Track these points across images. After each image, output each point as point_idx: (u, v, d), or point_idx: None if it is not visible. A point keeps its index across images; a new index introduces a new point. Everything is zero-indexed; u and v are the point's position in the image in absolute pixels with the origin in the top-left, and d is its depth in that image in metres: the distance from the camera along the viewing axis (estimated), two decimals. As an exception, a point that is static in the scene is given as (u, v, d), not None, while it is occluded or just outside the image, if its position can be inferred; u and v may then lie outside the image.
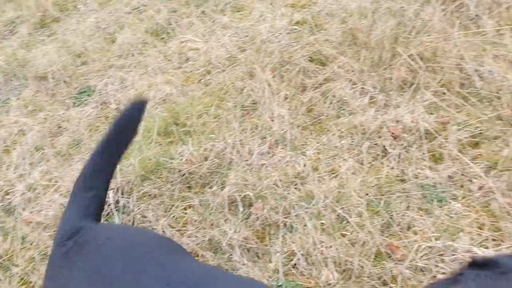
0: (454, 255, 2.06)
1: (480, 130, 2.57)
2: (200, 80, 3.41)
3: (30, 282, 2.44)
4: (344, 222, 2.29)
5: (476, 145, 2.54)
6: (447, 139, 2.55)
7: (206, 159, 2.71)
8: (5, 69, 3.92)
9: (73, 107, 3.52)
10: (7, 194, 2.94)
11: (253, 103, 3.06)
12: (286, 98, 3.02)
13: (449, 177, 2.42)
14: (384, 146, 2.62)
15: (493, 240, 2.10)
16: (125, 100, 3.39)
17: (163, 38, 3.93)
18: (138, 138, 2.94)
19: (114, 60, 3.83)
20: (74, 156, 3.05)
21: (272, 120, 2.89)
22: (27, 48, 4.19)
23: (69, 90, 3.65)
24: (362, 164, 2.57)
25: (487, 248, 2.04)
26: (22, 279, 2.46)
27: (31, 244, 2.62)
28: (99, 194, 1.48)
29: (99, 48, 3.97)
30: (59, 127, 3.37)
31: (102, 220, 2.56)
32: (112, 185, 2.67)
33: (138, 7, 4.35)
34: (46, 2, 4.73)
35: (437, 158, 2.52)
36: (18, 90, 3.75)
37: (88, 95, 3.59)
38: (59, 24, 4.52)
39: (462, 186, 2.37)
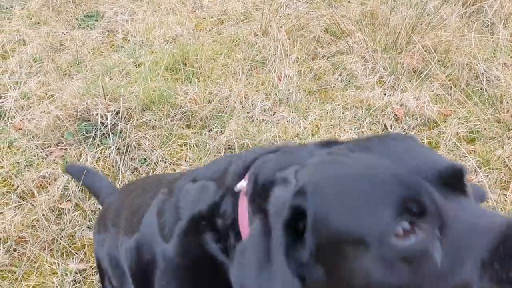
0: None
1: (478, 128, 2.65)
2: (212, 28, 3.38)
3: (13, 185, 2.40)
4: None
5: (472, 141, 2.62)
6: (446, 130, 2.61)
7: (209, 102, 2.71)
8: (12, -24, 3.78)
9: (78, 28, 3.44)
10: (0, 98, 2.87)
11: (263, 60, 3.06)
12: (296, 61, 3.03)
13: (442, 165, 2.48)
14: (385, 125, 2.67)
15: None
16: (133, 32, 3.33)
17: (180, -20, 3.86)
18: (144, 69, 2.91)
19: (128, -9, 3.75)
20: (74, 74, 2.98)
21: (280, 80, 2.90)
22: (39, -39, 4.05)
23: (77, 11, 3.56)
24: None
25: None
26: (4, 180, 2.41)
27: (18, 149, 2.57)
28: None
29: (114, -23, 3.87)
30: (61, 44, 3.29)
31: (96, 140, 2.54)
32: (112, 108, 2.63)
33: None
34: None
35: (433, 146, 2.59)
36: (24, 1, 3.64)
37: (96, 20, 3.51)
38: None
39: (452, 176, 2.44)
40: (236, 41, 3.22)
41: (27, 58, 3.12)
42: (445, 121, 2.69)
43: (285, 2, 3.54)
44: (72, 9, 3.57)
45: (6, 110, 2.76)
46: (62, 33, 3.36)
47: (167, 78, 2.84)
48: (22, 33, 3.33)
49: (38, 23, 3.46)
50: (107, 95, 2.68)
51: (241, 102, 2.76)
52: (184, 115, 2.64)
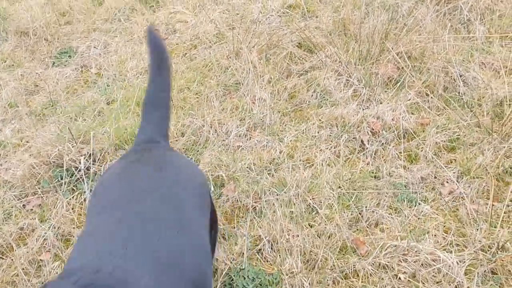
0: (417, 256, 2.08)
1: (458, 135, 2.58)
2: (186, 54, 3.35)
3: (-9, 241, 2.39)
4: (314, 213, 2.29)
5: (452, 149, 2.55)
6: (424, 140, 2.55)
7: (183, 134, 2.67)
8: (-15, 20, 3.78)
9: (52, 67, 3.43)
10: (-24, 148, 2.87)
11: (236, 83, 3.02)
12: (269, 81, 2.99)
13: (422, 178, 2.43)
14: (362, 141, 2.62)
15: (457, 245, 2.12)
16: (106, 66, 3.31)
17: (152, 6, 3.84)
18: (116, 106, 2.89)
19: (100, 23, 3.73)
20: (48, 117, 2.97)
21: (253, 103, 2.86)
22: (10, 1, 4.05)
23: (50, 49, 3.54)
24: (338, 156, 2.56)
25: (450, 252, 2.07)
26: (-18, 237, 2.40)
27: (-5, 202, 2.56)
28: (166, 113, 1.75)
29: (85, 9, 3.86)
30: (36, 85, 3.29)
31: (70, 186, 2.53)
32: (85, 151, 2.62)
33: (130, -29, 4.23)
34: (35, -46, 4.56)
35: (412, 158, 2.53)
36: (-3, 43, 3.64)
37: (69, 56, 3.50)
38: (47, -21, 4.36)
39: (433, 189, 2.39)
40: (210, 65, 3.18)
41: (2, 104, 3.12)
42: (423, 131, 2.62)
43: (257, 17, 3.50)
44: (45, 47, 3.56)
45: (-17, 161, 2.76)
46: (37, 73, 3.35)
47: (139, 114, 2.80)
48: (-3, 78, 3.33)
49: (13, 65, 3.46)
50: (80, 138, 2.67)
51: (215, 131, 2.72)
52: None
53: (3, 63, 3.46)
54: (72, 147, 2.59)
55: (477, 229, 2.17)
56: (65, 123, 2.82)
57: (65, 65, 3.42)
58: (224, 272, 2.06)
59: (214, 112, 2.80)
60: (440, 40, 2.97)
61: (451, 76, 2.83)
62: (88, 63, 3.39)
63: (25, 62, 3.44)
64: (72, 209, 2.45)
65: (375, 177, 2.47)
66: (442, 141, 2.56)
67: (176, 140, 2.63)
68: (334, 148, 2.61)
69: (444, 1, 3.32)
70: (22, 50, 3.54)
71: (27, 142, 2.80)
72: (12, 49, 3.56)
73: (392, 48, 2.92)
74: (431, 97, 2.74)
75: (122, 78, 3.17)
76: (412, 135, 2.61)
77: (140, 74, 3.18)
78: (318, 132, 2.69)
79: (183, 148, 2.62)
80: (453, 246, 2.12)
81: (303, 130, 2.72)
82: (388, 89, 2.85)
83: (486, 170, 2.40)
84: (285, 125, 2.77)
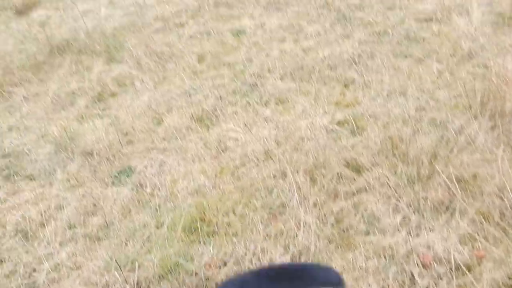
0: None
1: (519, 270, 2.37)
2: (234, 173, 3.43)
3: None
4: None
5: (512, 287, 2.34)
6: (480, 276, 2.36)
7: (225, 264, 2.67)
8: (58, 140, 4.12)
9: (111, 186, 3.62)
10: (34, 271, 3.01)
11: (282, 206, 3.02)
12: (315, 205, 2.96)
13: (480, 321, 2.22)
14: (412, 274, 2.47)
15: None
16: (160, 185, 3.45)
17: (206, 124, 4.03)
18: (162, 231, 2.97)
19: (158, 142, 3.95)
20: (101, 240, 3.09)
21: (298, 228, 2.82)
22: (81, 121, 4.42)
23: (111, 168, 3.76)
24: (386, 292, 2.42)
25: None
26: None
27: (44, 331, 2.63)
28: None
29: (146, 129, 4.11)
30: (95, 205, 3.46)
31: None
32: (130, 280, 2.67)
33: (189, 91, 4.51)
34: (107, 77, 5.02)
35: (468, 297, 2.34)
36: (65, 163, 3.92)
37: (127, 175, 3.69)
38: (115, 99, 4.75)
39: (493, 334, 2.17)
40: (256, 185, 3.22)
41: (62, 225, 3.29)
42: (479, 264, 2.44)
43: (305, 134, 3.55)
44: (106, 166, 3.78)
45: (39, 284, 2.89)
46: (96, 193, 3.55)
47: (184, 240, 2.86)
48: (61, 198, 3.55)
49: (76, 185, 3.69)
50: (127, 266, 2.73)
51: (258, 259, 2.69)
52: (200, 281, 2.61)
53: (67, 183, 3.70)
54: (119, 276, 2.65)
55: None
56: (114, 249, 2.91)
57: (123, 185, 3.59)
58: None
59: (258, 238, 2.78)
60: (494, 161, 2.83)
61: (508, 201, 2.66)
62: (144, 183, 3.54)
63: (87, 182, 3.66)
64: None
65: (426, 317, 2.30)
66: (501, 276, 2.36)
67: (218, 271, 2.62)
68: (383, 281, 2.48)
69: (498, 116, 3.21)
70: (85, 170, 3.78)
71: (79, 267, 2.90)
72: (77, 169, 3.81)
73: (442, 171, 2.82)
74: (486, 226, 2.58)
75: (173, 198, 3.28)
76: (467, 268, 2.43)
77: (190, 195, 3.26)
78: (365, 263, 2.58)
79: (225, 279, 2.60)
80: None
81: (350, 259, 2.62)
82: (439, 215, 2.71)
83: (554, 314, 2.16)
84: (331, 254, 2.69)
